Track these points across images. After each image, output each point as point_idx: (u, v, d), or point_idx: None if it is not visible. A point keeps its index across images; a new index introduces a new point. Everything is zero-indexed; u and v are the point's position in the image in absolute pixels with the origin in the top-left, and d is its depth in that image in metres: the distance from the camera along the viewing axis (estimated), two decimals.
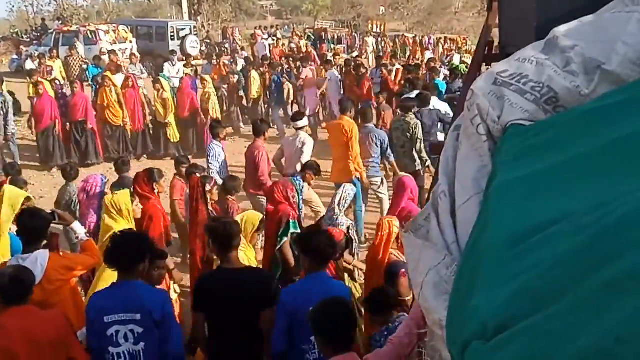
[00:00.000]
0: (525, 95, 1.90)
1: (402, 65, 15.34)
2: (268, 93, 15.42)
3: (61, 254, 4.47)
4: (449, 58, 22.90)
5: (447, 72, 14.93)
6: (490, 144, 1.90)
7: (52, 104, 12.41)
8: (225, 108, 15.14)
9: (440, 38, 34.41)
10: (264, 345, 4.09)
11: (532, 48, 2.08)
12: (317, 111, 15.13)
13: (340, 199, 5.85)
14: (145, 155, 13.21)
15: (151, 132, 13.43)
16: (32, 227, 4.23)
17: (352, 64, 15.43)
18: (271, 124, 14.89)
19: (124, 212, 5.32)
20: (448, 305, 1.51)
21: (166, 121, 13.01)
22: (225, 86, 15.34)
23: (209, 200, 6.20)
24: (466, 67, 17.94)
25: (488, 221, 1.26)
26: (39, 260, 4.05)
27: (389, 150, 8.69)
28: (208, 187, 6.36)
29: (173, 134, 13.21)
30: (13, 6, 40.89)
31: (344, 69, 15.40)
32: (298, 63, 16.75)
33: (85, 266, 4.51)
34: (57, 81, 13.72)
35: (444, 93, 11.93)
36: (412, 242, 1.92)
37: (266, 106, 15.73)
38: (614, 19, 1.85)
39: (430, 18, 51.99)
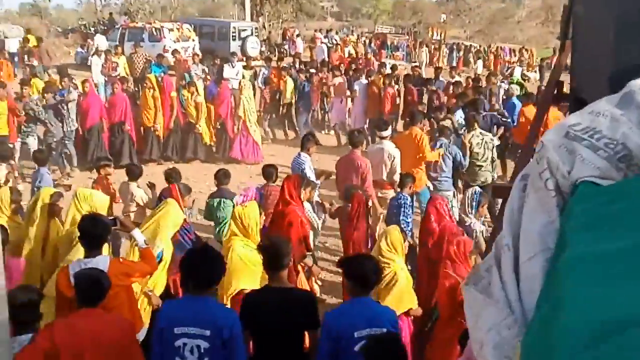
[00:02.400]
0: (597, 151, 1.85)
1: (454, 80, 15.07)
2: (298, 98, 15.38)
3: (121, 259, 4.59)
4: (509, 71, 22.43)
5: (506, 87, 14.61)
6: (559, 199, 1.86)
7: (99, 103, 12.49)
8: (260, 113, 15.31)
9: (521, 48, 33.62)
10: None
11: (606, 101, 2.02)
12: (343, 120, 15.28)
13: (468, 203, 5.91)
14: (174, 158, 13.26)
15: (180, 135, 13.42)
16: (94, 232, 4.36)
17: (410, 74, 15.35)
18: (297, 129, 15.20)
19: (252, 226, 5.50)
20: None
21: (198, 125, 13.10)
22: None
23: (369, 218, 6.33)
24: (523, 80, 17.54)
25: (561, 305, 1.22)
26: (100, 266, 4.17)
27: (463, 164, 8.98)
28: (370, 204, 6.46)
29: (206, 137, 13.35)
30: None
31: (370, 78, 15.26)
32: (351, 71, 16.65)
33: (142, 273, 4.62)
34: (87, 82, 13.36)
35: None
36: (473, 296, 1.89)
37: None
38: None
39: (492, 27, 51.01)
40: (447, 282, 4.76)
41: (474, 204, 6.08)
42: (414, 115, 9.40)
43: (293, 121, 15.64)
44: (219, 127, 13.39)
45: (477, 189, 6.39)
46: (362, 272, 3.90)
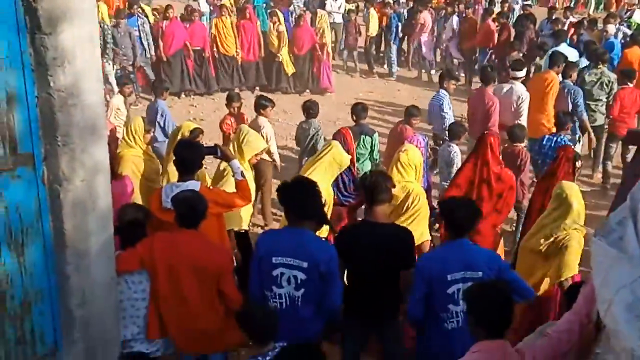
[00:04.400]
0: None
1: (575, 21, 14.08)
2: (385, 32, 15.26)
3: (211, 188, 4.58)
4: (629, 13, 20.60)
5: (627, 31, 13.47)
6: None
7: (181, 29, 12.51)
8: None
9: None
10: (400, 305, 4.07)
11: None
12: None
13: None
14: (257, 88, 13.20)
15: (262, 65, 13.41)
16: (187, 158, 4.39)
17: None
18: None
19: (419, 168, 5.46)
20: None
21: (279, 54, 13.04)
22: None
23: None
24: None
25: None
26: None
27: (582, 107, 8.39)
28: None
29: (287, 67, 13.21)
30: None
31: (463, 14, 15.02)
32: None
33: (230, 205, 4.52)
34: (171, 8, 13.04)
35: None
36: (603, 250, 1.73)
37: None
38: None
39: None
40: None
41: None
42: (555, 57, 8.70)
43: (374, 56, 15.64)
44: (306, 57, 13.29)
45: None
46: (460, 217, 3.75)
